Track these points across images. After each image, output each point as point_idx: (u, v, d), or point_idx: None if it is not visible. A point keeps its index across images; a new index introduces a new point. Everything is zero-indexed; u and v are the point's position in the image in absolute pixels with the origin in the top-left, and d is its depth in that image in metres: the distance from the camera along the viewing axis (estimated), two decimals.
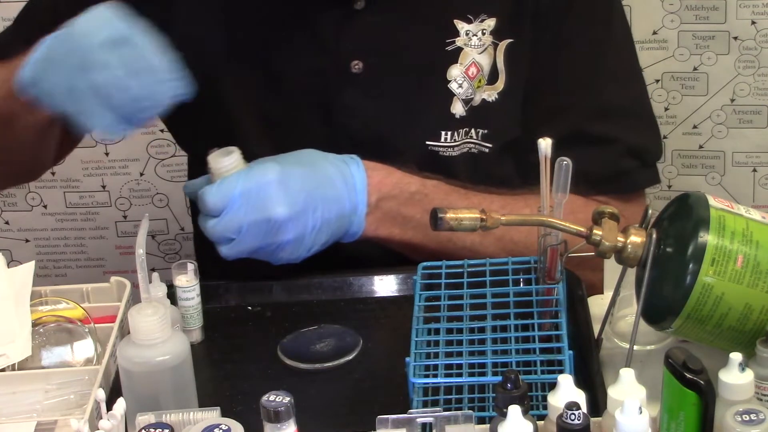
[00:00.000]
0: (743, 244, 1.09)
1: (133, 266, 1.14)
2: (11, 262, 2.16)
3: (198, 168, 1.54)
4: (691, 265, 1.09)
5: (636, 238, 1.13)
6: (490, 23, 1.40)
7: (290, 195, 1.27)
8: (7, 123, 1.34)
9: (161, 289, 1.26)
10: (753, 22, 1.98)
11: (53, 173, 2.17)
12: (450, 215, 1.12)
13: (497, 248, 1.37)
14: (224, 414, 1.06)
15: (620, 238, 1.13)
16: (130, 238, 2.21)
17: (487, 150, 1.44)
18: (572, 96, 1.43)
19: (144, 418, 1.05)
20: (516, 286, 1.24)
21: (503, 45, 1.41)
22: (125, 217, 2.21)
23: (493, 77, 1.42)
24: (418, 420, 1.03)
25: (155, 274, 1.26)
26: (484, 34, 1.40)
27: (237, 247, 1.28)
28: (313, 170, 1.30)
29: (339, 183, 1.31)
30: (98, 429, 1.02)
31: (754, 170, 2.09)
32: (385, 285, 1.40)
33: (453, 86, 1.41)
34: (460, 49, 1.41)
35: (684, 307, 1.10)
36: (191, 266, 1.30)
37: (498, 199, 1.39)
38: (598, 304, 1.30)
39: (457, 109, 1.42)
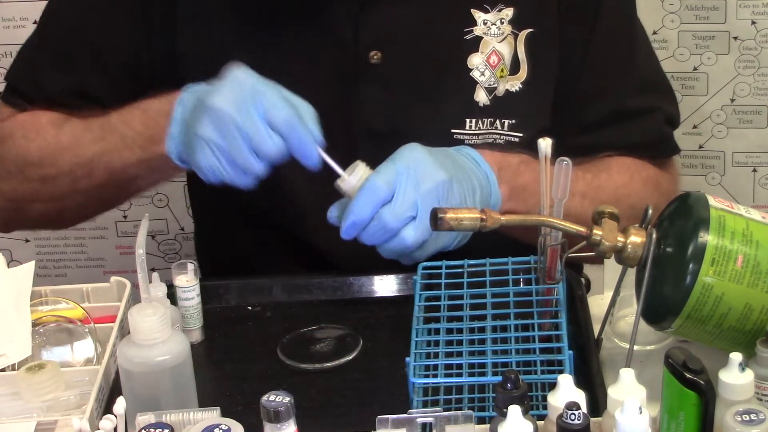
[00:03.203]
0: (743, 244, 1.09)
1: (133, 266, 1.14)
2: (11, 262, 2.16)
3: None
4: (691, 265, 1.09)
5: (636, 238, 1.13)
6: (508, 12, 1.41)
7: (443, 162, 1.26)
8: (127, 183, 1.39)
9: (161, 289, 1.26)
10: (753, 22, 1.98)
11: None
12: (450, 215, 1.12)
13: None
14: (224, 414, 1.06)
15: (620, 238, 1.13)
16: (130, 238, 2.21)
17: (517, 140, 1.44)
18: (613, 76, 1.47)
19: (144, 418, 1.05)
20: (516, 286, 1.24)
21: (524, 35, 1.42)
22: (125, 217, 2.21)
23: (515, 67, 1.43)
24: (418, 420, 1.03)
25: (155, 274, 1.26)
26: (502, 23, 1.41)
27: (422, 224, 1.24)
28: (441, 149, 1.30)
29: (464, 159, 1.31)
30: (98, 429, 1.02)
31: (754, 170, 2.09)
32: (385, 285, 1.40)
33: (475, 74, 1.42)
34: (479, 38, 1.41)
35: (684, 307, 1.10)
36: (191, 266, 1.30)
37: (581, 168, 1.40)
38: (598, 304, 1.30)
39: (481, 97, 1.42)
